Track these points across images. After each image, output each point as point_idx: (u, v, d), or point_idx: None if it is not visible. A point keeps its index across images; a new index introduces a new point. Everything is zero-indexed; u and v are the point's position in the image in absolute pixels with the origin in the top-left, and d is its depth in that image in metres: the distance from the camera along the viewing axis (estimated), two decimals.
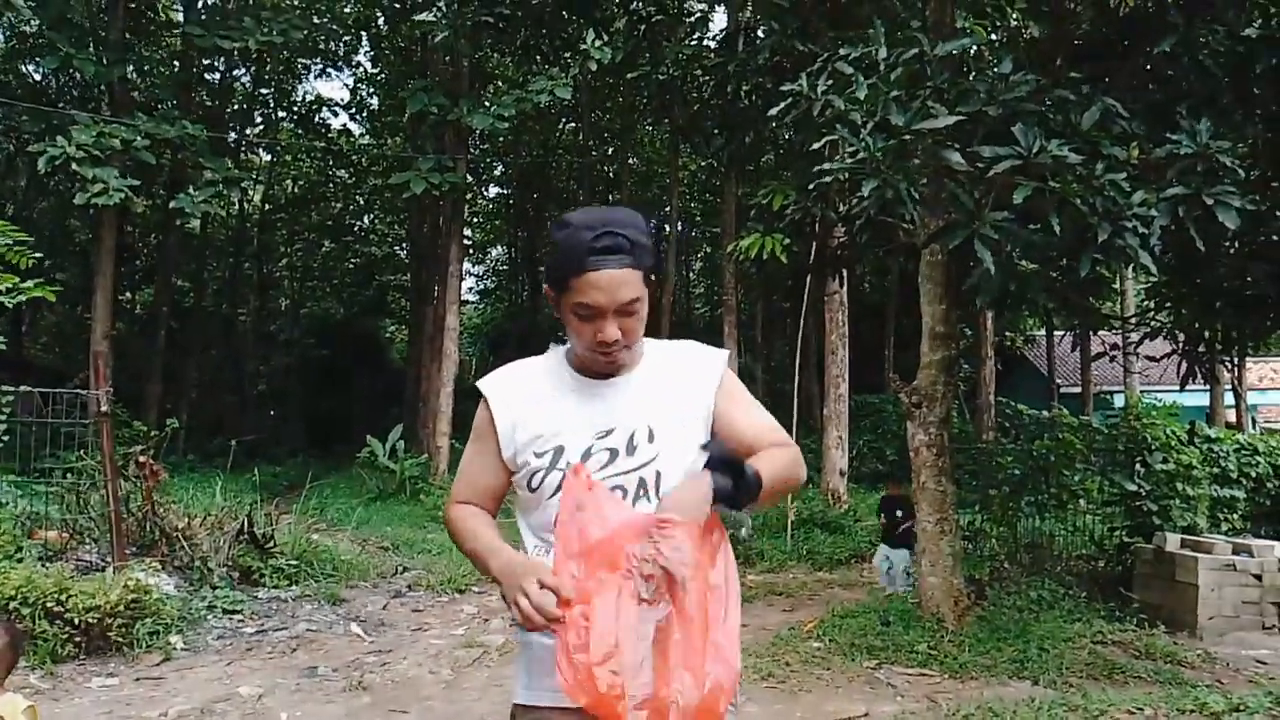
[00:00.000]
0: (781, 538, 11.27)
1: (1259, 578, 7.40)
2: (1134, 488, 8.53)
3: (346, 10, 21.82)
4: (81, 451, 8.32)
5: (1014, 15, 7.31)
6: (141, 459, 7.93)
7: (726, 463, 1.63)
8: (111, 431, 7.28)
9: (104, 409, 7.18)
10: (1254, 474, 9.36)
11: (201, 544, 7.80)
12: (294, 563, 8.34)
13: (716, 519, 1.67)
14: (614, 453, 1.72)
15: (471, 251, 31.20)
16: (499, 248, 34.49)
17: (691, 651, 1.54)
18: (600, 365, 1.76)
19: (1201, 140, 4.64)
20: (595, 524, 1.58)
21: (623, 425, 1.74)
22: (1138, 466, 8.63)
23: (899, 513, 8.50)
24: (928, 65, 4.58)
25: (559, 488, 1.68)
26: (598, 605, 1.52)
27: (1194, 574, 7.35)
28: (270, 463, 18.66)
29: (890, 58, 4.45)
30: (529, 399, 1.80)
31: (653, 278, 1.74)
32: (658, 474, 1.72)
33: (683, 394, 1.80)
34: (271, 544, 8.40)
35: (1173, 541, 7.84)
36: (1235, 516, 9.07)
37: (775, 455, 1.77)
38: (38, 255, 7.02)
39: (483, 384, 1.85)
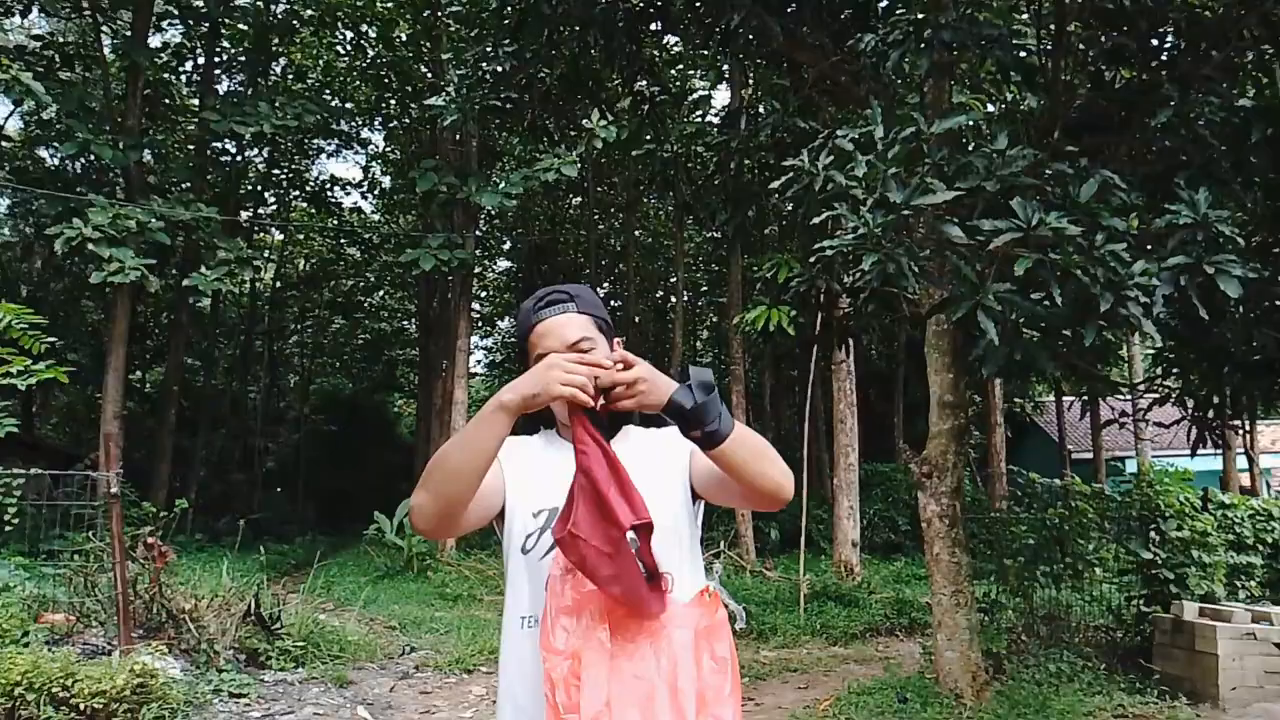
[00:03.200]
0: (794, 612, 11.12)
1: None
2: (1149, 556, 8.42)
3: (359, 94, 22.37)
4: (90, 532, 8.31)
5: (1010, 89, 7.46)
6: (150, 540, 7.91)
7: (702, 384, 1.58)
8: (121, 513, 7.28)
9: (113, 491, 7.19)
10: (1270, 539, 9.23)
11: (208, 626, 7.73)
12: (301, 644, 8.25)
13: (718, 599, 1.68)
14: None
15: (480, 325, 31.42)
16: (507, 320, 34.72)
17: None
18: None
19: (1200, 210, 4.69)
20: (584, 583, 1.59)
21: None
22: (1152, 534, 8.54)
23: None
24: (924, 143, 4.67)
25: (552, 547, 1.69)
26: (589, 663, 1.52)
27: (1214, 644, 7.22)
28: (278, 540, 18.55)
29: (888, 136, 4.54)
30: (525, 463, 1.86)
31: (604, 329, 1.85)
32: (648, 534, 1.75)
33: (663, 458, 1.85)
34: (278, 625, 8.32)
35: (1191, 610, 7.71)
36: (1253, 584, 8.93)
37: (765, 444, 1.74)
38: (51, 339, 7.11)
39: None
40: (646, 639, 1.59)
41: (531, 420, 1.93)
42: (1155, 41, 6.16)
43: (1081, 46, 6.40)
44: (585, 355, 1.62)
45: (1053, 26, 6.03)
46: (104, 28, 18.42)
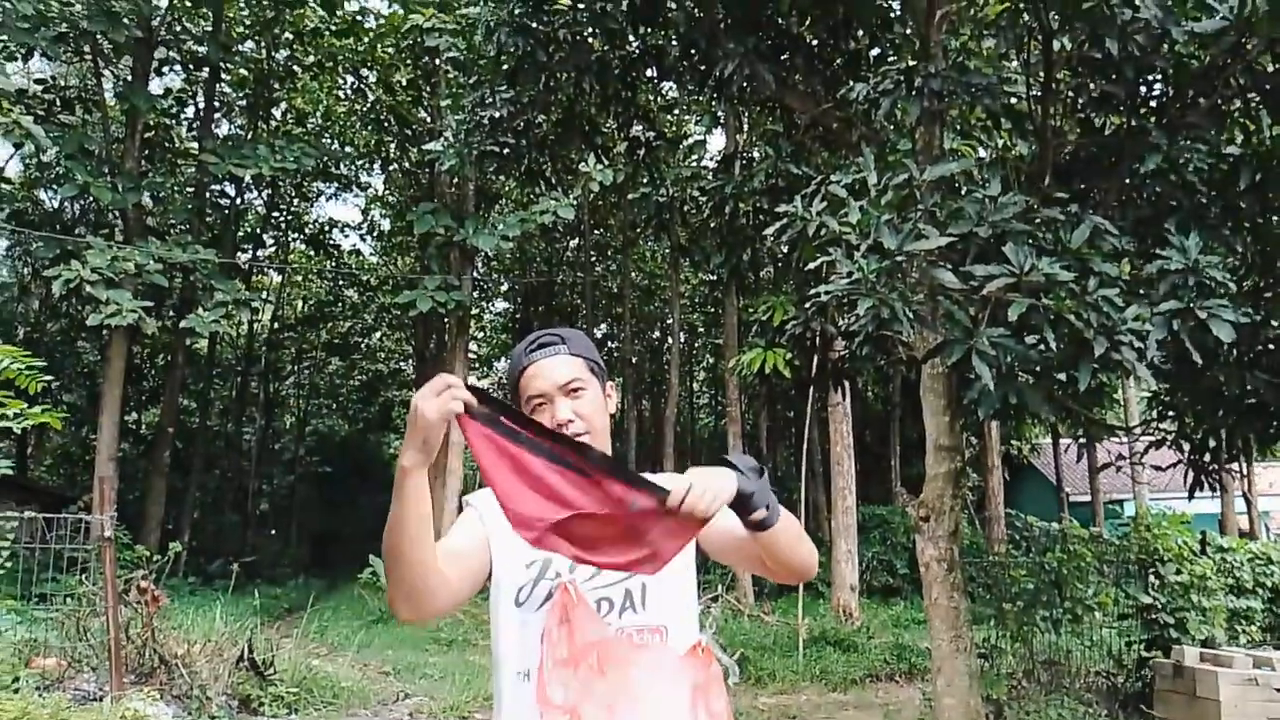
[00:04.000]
0: (793, 657, 11.02)
1: None
2: (1149, 600, 8.39)
3: (358, 138, 22.59)
4: (83, 576, 8.25)
5: (1001, 135, 7.55)
6: (142, 584, 7.85)
7: (751, 467, 1.61)
8: (114, 557, 7.24)
9: (107, 534, 7.15)
10: (1270, 583, 9.20)
11: (200, 671, 7.65)
12: (294, 690, 8.16)
13: (711, 654, 1.67)
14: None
15: (477, 365, 31.44)
16: (504, 361, 34.77)
17: None
18: None
19: (1191, 255, 4.73)
20: (580, 634, 1.58)
21: None
22: (1151, 578, 8.51)
23: None
24: (917, 189, 4.72)
25: (547, 597, 1.68)
26: (588, 717, 1.51)
27: (1215, 689, 7.16)
28: (271, 583, 18.41)
29: (880, 182, 4.59)
30: None
31: (596, 372, 1.83)
32: (643, 585, 1.73)
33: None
34: (271, 670, 8.23)
35: (1191, 655, 7.66)
36: (1254, 628, 8.89)
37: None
38: (48, 379, 7.11)
39: (470, 498, 1.87)
40: (645, 692, 1.58)
41: None
42: (1143, 88, 6.25)
43: (1070, 94, 6.49)
44: (445, 379, 1.53)
45: (1042, 74, 6.12)
46: (104, 72, 18.64)
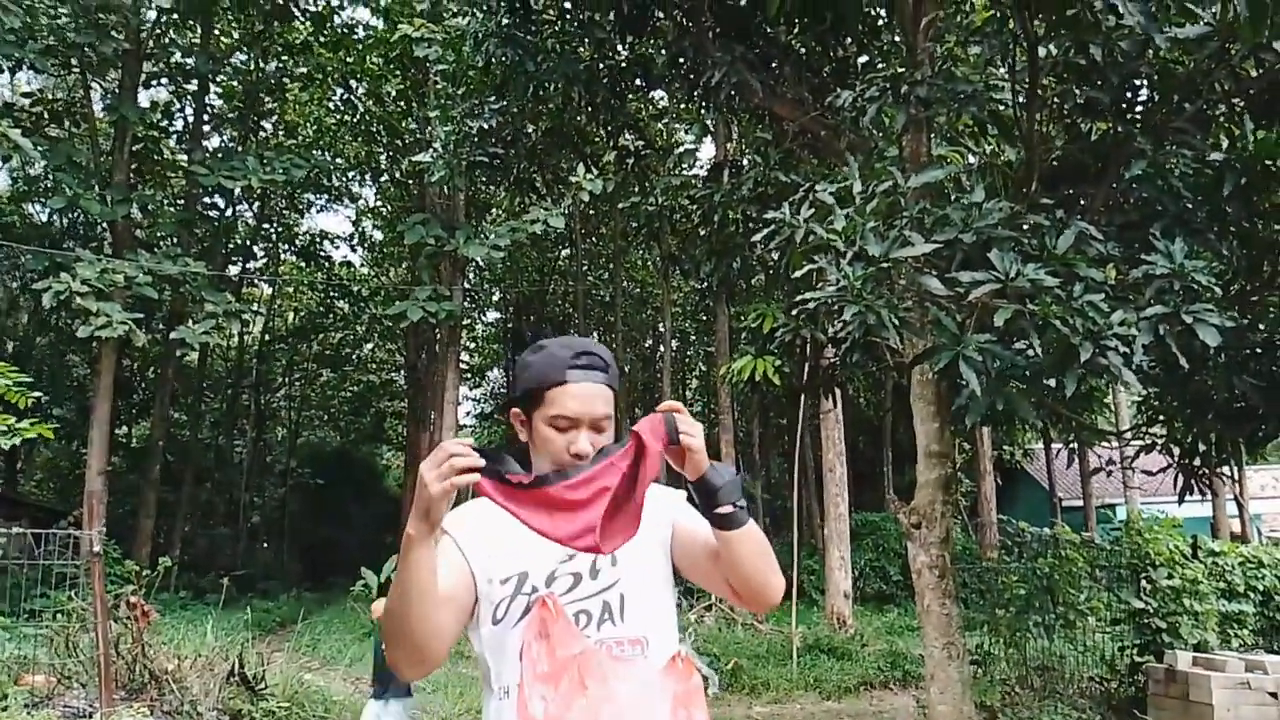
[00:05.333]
0: (787, 665, 11.00)
1: (1275, 695, 7.21)
2: (1141, 604, 8.39)
3: (349, 149, 22.57)
4: (73, 591, 8.20)
5: (988, 142, 7.57)
6: (132, 599, 7.80)
7: (728, 470, 1.67)
8: (103, 572, 7.19)
9: (96, 550, 7.11)
10: (1261, 587, 9.22)
11: (191, 687, 7.60)
12: (285, 705, 8.10)
13: (691, 664, 1.67)
14: (578, 577, 1.71)
15: (469, 376, 31.40)
16: (496, 371, 34.72)
17: None
18: None
19: (1176, 260, 4.75)
20: (560, 648, 1.58)
21: (583, 553, 1.72)
22: (1143, 582, 8.51)
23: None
24: (902, 196, 4.73)
25: (525, 612, 1.66)
26: None
27: (1208, 693, 7.17)
28: (263, 597, 18.32)
29: (865, 190, 4.60)
30: (485, 535, 1.75)
31: (616, 400, 1.81)
32: (621, 597, 1.71)
33: (648, 524, 1.75)
34: (262, 685, 8.18)
35: (1184, 660, 7.67)
36: (1245, 631, 8.90)
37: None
38: (37, 394, 7.09)
39: (444, 524, 1.82)
40: (627, 705, 1.57)
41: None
42: (1128, 94, 6.28)
43: (1056, 100, 6.52)
44: (447, 449, 1.52)
45: (1027, 81, 6.15)
46: (93, 85, 18.60)
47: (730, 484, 1.64)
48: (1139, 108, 6.32)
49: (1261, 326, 6.11)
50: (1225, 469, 8.11)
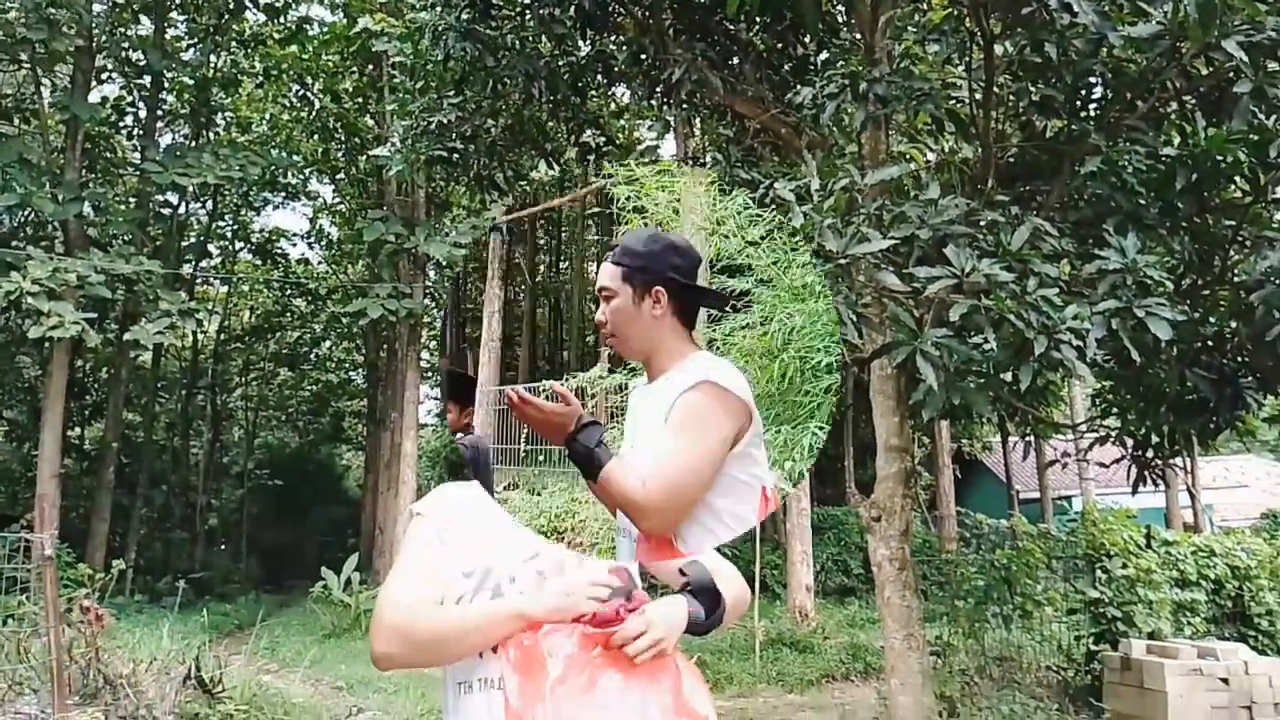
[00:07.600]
0: (750, 659, 11.05)
1: (1226, 681, 7.37)
2: (1097, 594, 8.53)
3: (305, 146, 22.28)
4: (24, 596, 8.02)
5: (945, 139, 7.64)
6: (85, 603, 7.65)
7: (706, 590, 1.71)
8: (56, 577, 7.04)
9: (48, 554, 6.96)
10: (1212, 575, 9.40)
11: (147, 691, 7.47)
12: (244, 708, 7.99)
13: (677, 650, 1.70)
14: (542, 576, 1.73)
15: (429, 375, 31.14)
16: None
17: None
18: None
19: (1129, 255, 4.82)
20: (536, 685, 1.59)
21: (548, 549, 1.76)
22: (1098, 573, 8.66)
23: None
24: (859, 193, 4.77)
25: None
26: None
27: (1162, 681, 7.31)
28: (221, 600, 18.07)
29: (823, 187, 4.62)
30: (465, 518, 1.80)
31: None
32: None
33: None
34: (220, 689, 8.06)
35: (1139, 648, 7.81)
36: (1198, 619, 9.07)
37: (731, 582, 1.82)
38: None
39: (419, 507, 1.86)
40: (592, 686, 1.58)
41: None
42: (1082, 92, 6.37)
43: (1012, 98, 6.59)
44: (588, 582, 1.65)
45: (984, 79, 6.21)
46: (43, 81, 18.20)
47: (707, 622, 1.72)
48: (1093, 105, 6.42)
49: (1212, 320, 6.23)
50: (1178, 460, 8.26)
